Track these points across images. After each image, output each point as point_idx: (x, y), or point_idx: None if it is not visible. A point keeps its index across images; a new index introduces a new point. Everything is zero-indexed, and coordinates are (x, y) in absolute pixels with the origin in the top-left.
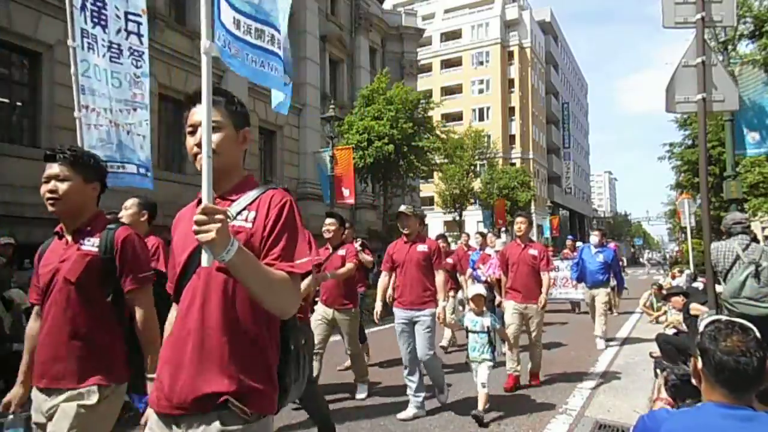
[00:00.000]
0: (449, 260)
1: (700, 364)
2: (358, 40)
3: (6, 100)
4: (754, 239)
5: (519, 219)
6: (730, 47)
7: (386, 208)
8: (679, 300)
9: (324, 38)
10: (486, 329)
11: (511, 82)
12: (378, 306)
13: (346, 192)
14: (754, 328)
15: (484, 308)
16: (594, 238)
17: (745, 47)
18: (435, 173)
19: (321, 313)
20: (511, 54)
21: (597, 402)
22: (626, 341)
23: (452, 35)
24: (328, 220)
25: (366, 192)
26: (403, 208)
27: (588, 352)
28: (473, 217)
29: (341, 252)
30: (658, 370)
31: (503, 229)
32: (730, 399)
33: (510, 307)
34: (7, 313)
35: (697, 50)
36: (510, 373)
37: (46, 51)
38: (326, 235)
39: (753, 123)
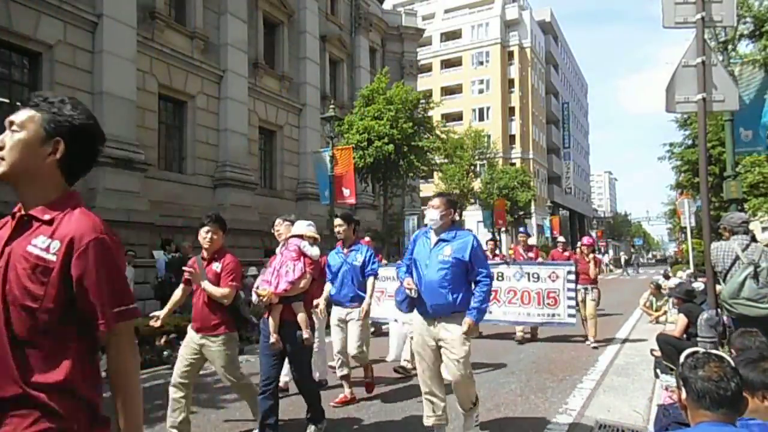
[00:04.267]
0: None
1: (684, 394)
2: (358, 40)
3: (6, 100)
4: (754, 239)
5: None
6: (730, 47)
7: (386, 208)
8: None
9: (324, 38)
10: None
11: (511, 82)
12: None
13: (346, 192)
14: (729, 359)
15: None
16: (433, 212)
17: (745, 47)
18: (435, 173)
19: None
20: (511, 54)
21: (597, 402)
22: (626, 341)
23: (452, 35)
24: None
25: (366, 192)
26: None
27: (588, 352)
28: (473, 217)
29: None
30: (658, 370)
31: (503, 229)
32: (719, 418)
33: None
34: None
35: (697, 50)
36: None
37: (46, 51)
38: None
39: (748, 122)
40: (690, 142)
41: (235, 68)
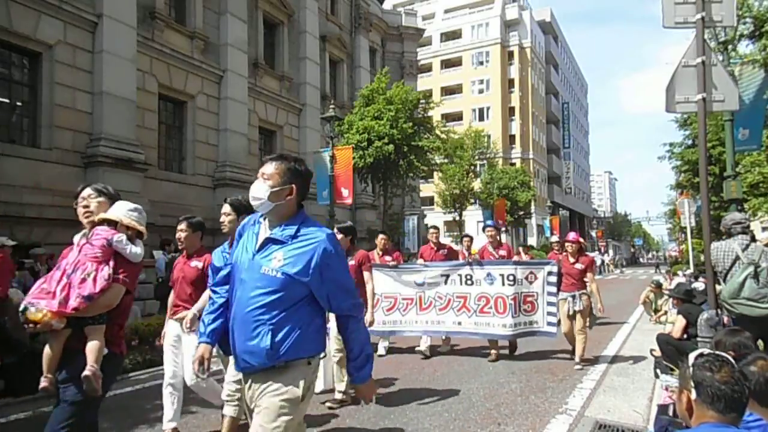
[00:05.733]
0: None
1: (693, 395)
2: (358, 40)
3: (6, 100)
4: (754, 239)
5: None
6: (730, 47)
7: (386, 208)
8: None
9: (324, 38)
10: None
11: (511, 82)
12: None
13: (344, 192)
14: (734, 362)
15: None
16: (259, 185)
17: (745, 47)
18: (435, 173)
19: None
20: (511, 54)
21: (597, 402)
22: (626, 341)
23: (452, 35)
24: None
25: (366, 192)
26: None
27: (588, 353)
28: (473, 217)
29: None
30: (658, 370)
31: (503, 229)
32: (725, 420)
33: None
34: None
35: (697, 50)
36: None
37: (46, 51)
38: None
39: (747, 121)
40: (690, 142)
41: (235, 68)
